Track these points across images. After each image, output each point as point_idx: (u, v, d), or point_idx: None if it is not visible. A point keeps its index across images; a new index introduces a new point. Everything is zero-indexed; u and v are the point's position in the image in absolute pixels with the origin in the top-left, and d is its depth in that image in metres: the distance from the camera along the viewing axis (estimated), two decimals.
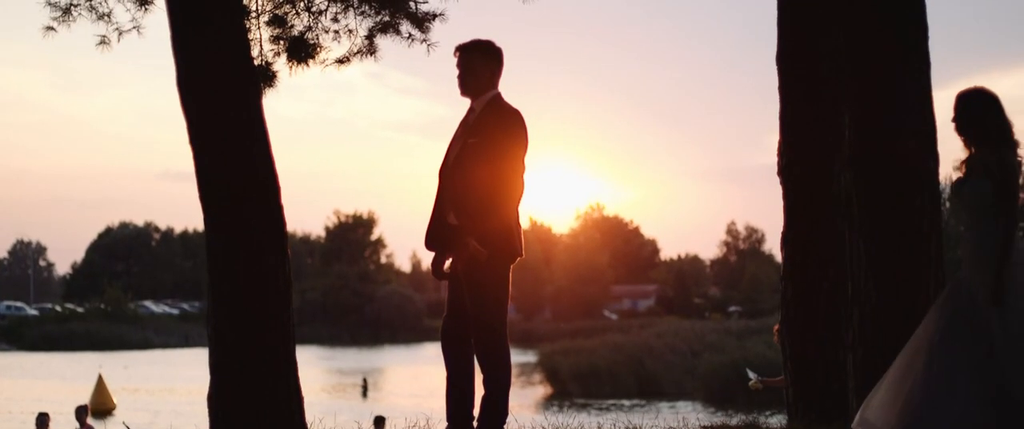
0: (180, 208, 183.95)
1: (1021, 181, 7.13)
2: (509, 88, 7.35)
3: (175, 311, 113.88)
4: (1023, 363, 6.71)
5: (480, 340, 7.18)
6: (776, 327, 12.12)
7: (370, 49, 11.08)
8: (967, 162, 7.14)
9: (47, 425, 21.41)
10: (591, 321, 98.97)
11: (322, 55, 10.97)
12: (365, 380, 56.96)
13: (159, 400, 47.70)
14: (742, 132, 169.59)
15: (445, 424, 7.44)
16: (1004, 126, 7.07)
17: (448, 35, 10.31)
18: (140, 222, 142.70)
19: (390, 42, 11.06)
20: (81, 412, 22.73)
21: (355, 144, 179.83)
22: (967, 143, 7.17)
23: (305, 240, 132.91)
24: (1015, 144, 7.06)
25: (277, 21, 10.88)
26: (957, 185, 7.11)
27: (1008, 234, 6.88)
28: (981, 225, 6.99)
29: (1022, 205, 7.22)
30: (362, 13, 10.98)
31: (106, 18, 10.53)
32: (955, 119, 7.15)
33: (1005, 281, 6.82)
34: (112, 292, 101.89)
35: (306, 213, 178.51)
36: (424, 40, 10.96)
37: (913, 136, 8.33)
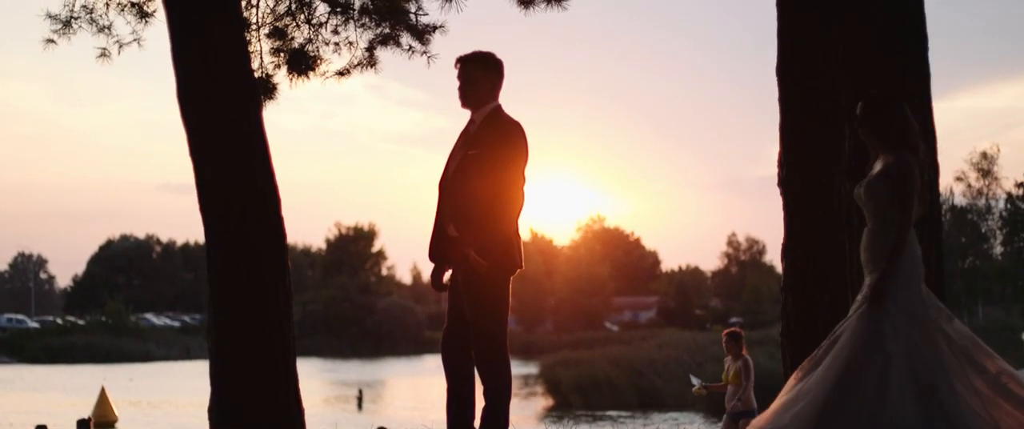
0: (181, 220, 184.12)
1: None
2: (509, 100, 7.36)
3: (176, 323, 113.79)
4: (911, 365, 6.81)
5: (480, 351, 7.18)
6: (725, 332, 12.47)
7: (370, 61, 11.11)
8: (871, 165, 7.24)
9: None
10: (592, 332, 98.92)
11: (322, 67, 11.00)
12: (360, 392, 56.83)
13: (161, 412, 47.67)
14: (742, 144, 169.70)
15: None
16: (905, 129, 7.17)
17: (448, 47, 10.35)
18: (141, 234, 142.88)
19: (390, 54, 11.09)
20: (83, 426, 22.63)
21: (355, 156, 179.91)
22: (870, 146, 7.27)
23: (306, 252, 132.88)
24: (916, 147, 7.16)
25: (277, 34, 10.91)
26: (857, 187, 7.22)
27: (900, 235, 6.97)
28: (877, 227, 7.09)
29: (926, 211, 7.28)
30: (362, 25, 11.00)
31: (106, 31, 10.56)
32: (858, 123, 7.26)
33: (890, 281, 6.91)
34: (113, 305, 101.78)
35: (306, 225, 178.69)
36: (424, 52, 10.98)
37: None
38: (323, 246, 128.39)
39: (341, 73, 11.08)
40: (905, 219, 7.00)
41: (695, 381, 13.02)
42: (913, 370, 6.85)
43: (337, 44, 11.04)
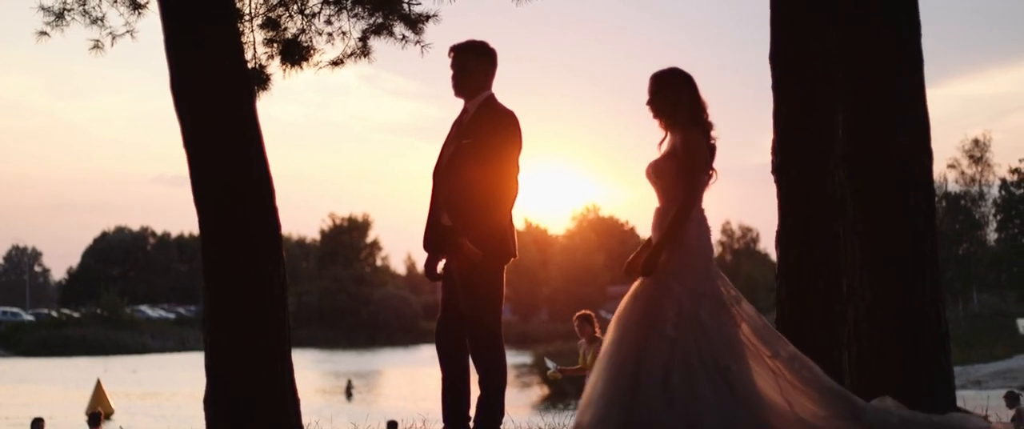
0: (176, 212, 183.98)
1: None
2: (503, 89, 7.37)
3: (171, 315, 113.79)
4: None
5: (475, 341, 7.19)
6: (576, 316, 12.29)
7: (364, 51, 11.08)
8: (662, 143, 7.24)
9: None
10: None
11: (316, 57, 10.97)
12: (350, 382, 57.04)
13: (156, 404, 47.67)
14: (736, 132, 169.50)
15: (441, 425, 7.45)
16: (695, 107, 7.14)
17: (441, 36, 10.32)
18: (136, 226, 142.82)
19: (383, 44, 11.07)
20: (94, 420, 22.59)
21: (349, 146, 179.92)
22: (660, 124, 7.24)
23: (300, 243, 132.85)
24: (706, 126, 7.14)
25: (271, 24, 10.89)
26: (647, 166, 7.21)
27: (682, 212, 6.97)
28: (665, 206, 7.10)
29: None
30: (355, 15, 10.98)
31: (99, 22, 10.53)
32: (649, 101, 7.21)
33: (659, 255, 6.96)
34: (108, 297, 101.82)
35: (301, 216, 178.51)
36: (417, 41, 10.96)
37: (907, 134, 8.33)
38: (317, 237, 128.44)
39: (335, 63, 11.06)
40: (689, 197, 6.98)
41: (550, 364, 12.95)
42: (702, 353, 6.82)
43: (330, 34, 11.02)
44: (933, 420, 7.05)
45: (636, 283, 7.09)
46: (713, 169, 7.16)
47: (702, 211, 7.10)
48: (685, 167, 7.00)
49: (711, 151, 7.12)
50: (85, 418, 33.04)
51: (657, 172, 7.11)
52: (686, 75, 7.19)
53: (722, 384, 6.75)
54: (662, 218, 7.08)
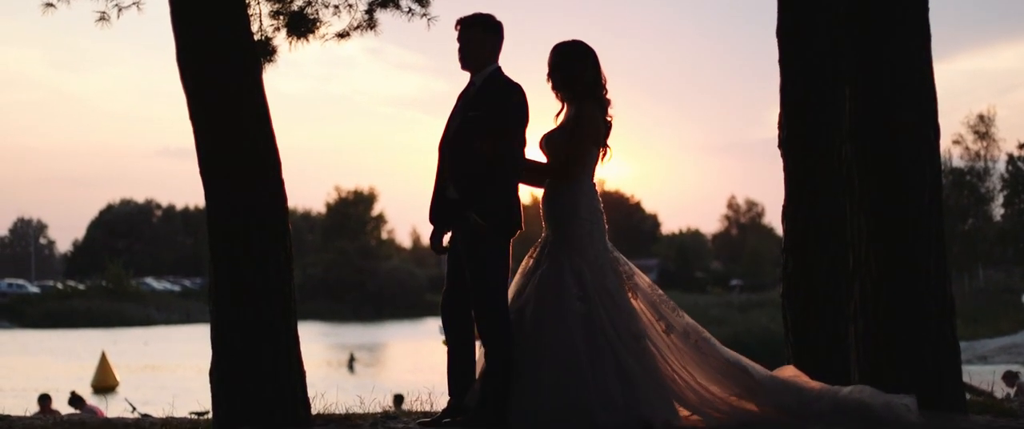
0: (181, 185, 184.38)
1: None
2: (509, 62, 7.36)
3: (177, 288, 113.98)
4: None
5: (480, 314, 7.20)
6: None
7: (370, 23, 11.05)
8: (559, 114, 7.37)
9: (49, 406, 21.27)
10: None
11: (322, 30, 10.94)
12: (352, 355, 57.22)
13: (161, 376, 47.80)
14: (742, 106, 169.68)
15: (447, 397, 7.47)
16: (594, 82, 7.23)
17: (448, 9, 10.30)
18: (141, 199, 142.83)
19: (390, 16, 11.03)
20: (76, 401, 22.38)
21: (355, 120, 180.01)
22: (558, 96, 7.36)
23: (306, 216, 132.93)
24: (602, 101, 7.24)
25: None
26: (541, 139, 7.35)
27: (553, 171, 7.23)
28: (555, 177, 7.27)
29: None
30: None
31: None
32: (549, 73, 7.29)
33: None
34: (114, 269, 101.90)
35: (306, 189, 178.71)
36: (424, 14, 10.93)
37: (913, 109, 8.33)
38: (323, 210, 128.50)
39: (341, 35, 11.02)
40: (572, 166, 7.16)
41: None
42: (616, 323, 6.88)
43: (337, 6, 10.99)
44: (838, 396, 7.11)
45: (529, 262, 7.30)
46: (607, 146, 7.27)
47: (593, 185, 7.25)
48: (574, 138, 7.13)
49: (607, 127, 7.21)
50: (90, 390, 33.12)
51: (547, 143, 7.27)
52: (588, 49, 7.30)
53: (637, 351, 6.83)
54: (553, 192, 7.29)
